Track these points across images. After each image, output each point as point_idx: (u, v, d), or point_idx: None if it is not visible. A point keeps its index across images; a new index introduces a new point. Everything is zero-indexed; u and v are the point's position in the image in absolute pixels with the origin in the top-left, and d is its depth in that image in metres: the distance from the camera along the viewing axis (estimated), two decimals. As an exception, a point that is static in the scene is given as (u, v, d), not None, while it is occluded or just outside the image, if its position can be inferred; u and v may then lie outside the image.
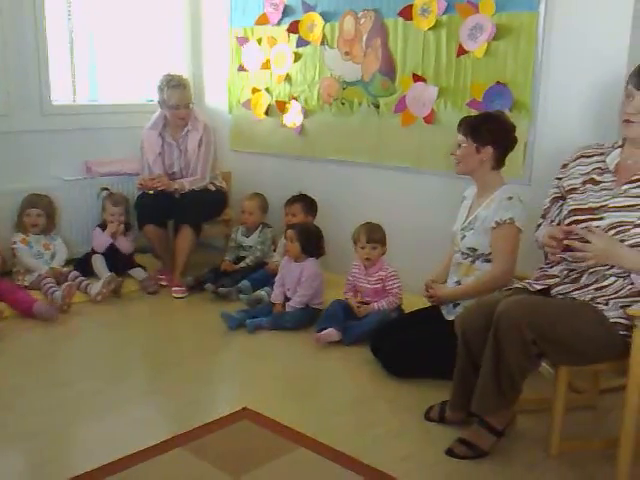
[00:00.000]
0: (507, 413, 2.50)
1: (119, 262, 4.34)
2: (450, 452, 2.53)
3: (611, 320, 2.36)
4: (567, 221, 2.52)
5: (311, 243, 3.84)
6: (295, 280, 3.81)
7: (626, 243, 2.37)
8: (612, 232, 2.39)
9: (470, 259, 3.08)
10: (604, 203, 2.46)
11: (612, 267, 2.40)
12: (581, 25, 3.34)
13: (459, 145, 3.04)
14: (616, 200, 2.44)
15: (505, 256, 2.97)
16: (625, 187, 2.45)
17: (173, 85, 4.40)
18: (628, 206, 2.41)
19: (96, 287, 4.04)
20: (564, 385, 2.45)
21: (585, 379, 2.90)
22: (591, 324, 2.36)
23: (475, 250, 3.05)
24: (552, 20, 3.42)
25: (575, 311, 2.39)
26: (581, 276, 2.47)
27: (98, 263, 4.28)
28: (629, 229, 2.38)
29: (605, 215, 2.43)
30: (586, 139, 3.14)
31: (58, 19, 4.68)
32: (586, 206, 2.50)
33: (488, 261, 3.03)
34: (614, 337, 2.36)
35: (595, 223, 2.43)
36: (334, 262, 4.19)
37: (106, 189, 4.55)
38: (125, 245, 4.42)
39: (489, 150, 3.00)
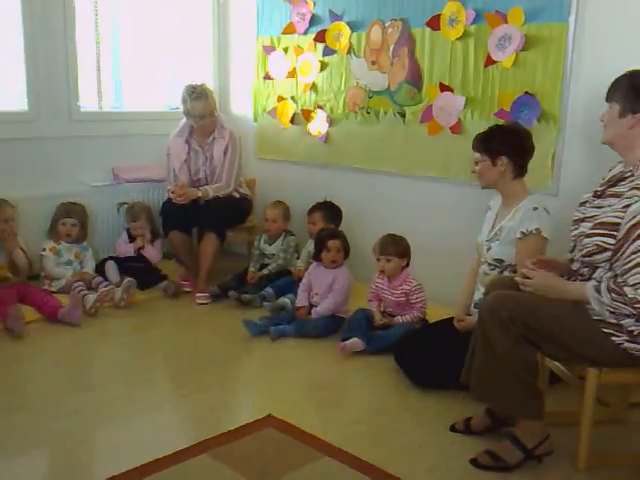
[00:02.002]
0: (535, 428, 2.47)
1: (144, 271, 4.35)
2: (474, 461, 2.52)
3: (593, 317, 2.36)
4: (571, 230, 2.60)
5: (349, 249, 3.88)
6: (326, 285, 3.81)
7: (581, 253, 2.43)
8: (577, 242, 2.48)
9: (497, 270, 3.05)
10: (583, 214, 2.53)
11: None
12: (612, 36, 3.32)
13: (476, 162, 3.07)
14: (589, 210, 2.51)
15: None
16: (600, 199, 2.49)
17: (195, 97, 4.41)
18: (591, 217, 2.46)
19: (117, 293, 4.06)
20: (592, 397, 2.42)
21: (613, 392, 2.85)
22: (572, 314, 2.39)
23: (502, 261, 3.03)
24: (582, 31, 3.40)
25: (556, 302, 2.43)
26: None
27: (110, 269, 4.30)
28: (582, 239, 2.43)
29: (579, 225, 2.51)
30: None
31: (85, 26, 4.70)
32: (576, 217, 2.57)
33: (516, 272, 3.01)
34: (598, 334, 2.35)
35: (572, 233, 2.54)
36: (358, 271, 4.17)
37: (124, 203, 4.57)
38: (152, 254, 4.43)
39: (504, 160, 3.00)
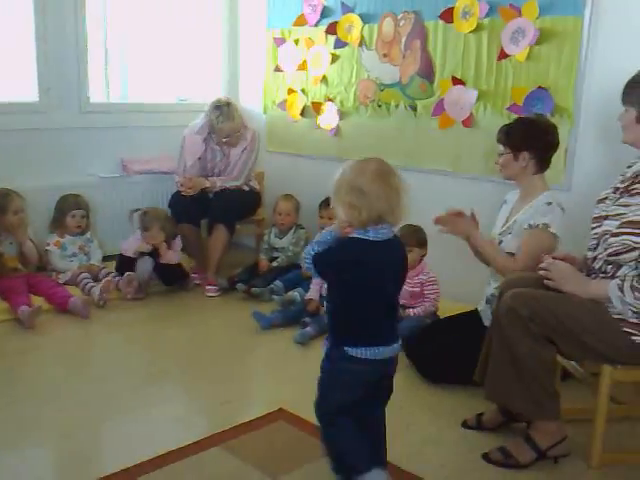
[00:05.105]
0: (552, 428, 2.45)
1: (166, 272, 4.25)
2: (485, 456, 2.51)
3: (614, 316, 2.34)
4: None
5: None
6: None
7: (606, 252, 2.38)
8: (600, 240, 2.43)
9: (509, 263, 3.03)
10: (605, 212, 2.48)
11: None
12: (627, 30, 3.29)
13: (500, 153, 3.04)
14: (612, 208, 2.45)
15: (522, 258, 2.88)
16: (626, 196, 2.44)
17: (221, 116, 4.35)
18: (616, 215, 2.40)
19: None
20: (606, 394, 2.40)
21: (627, 390, 2.83)
22: (591, 312, 2.36)
23: (514, 255, 3.00)
24: (597, 24, 3.37)
25: (575, 299, 2.40)
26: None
27: (143, 264, 4.19)
28: (608, 238, 2.39)
29: (602, 223, 2.46)
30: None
31: (93, 16, 4.64)
32: (597, 215, 2.53)
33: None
34: (617, 333, 2.32)
35: (594, 231, 2.49)
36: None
37: (137, 210, 4.41)
38: (171, 258, 4.23)
39: (525, 155, 2.96)
